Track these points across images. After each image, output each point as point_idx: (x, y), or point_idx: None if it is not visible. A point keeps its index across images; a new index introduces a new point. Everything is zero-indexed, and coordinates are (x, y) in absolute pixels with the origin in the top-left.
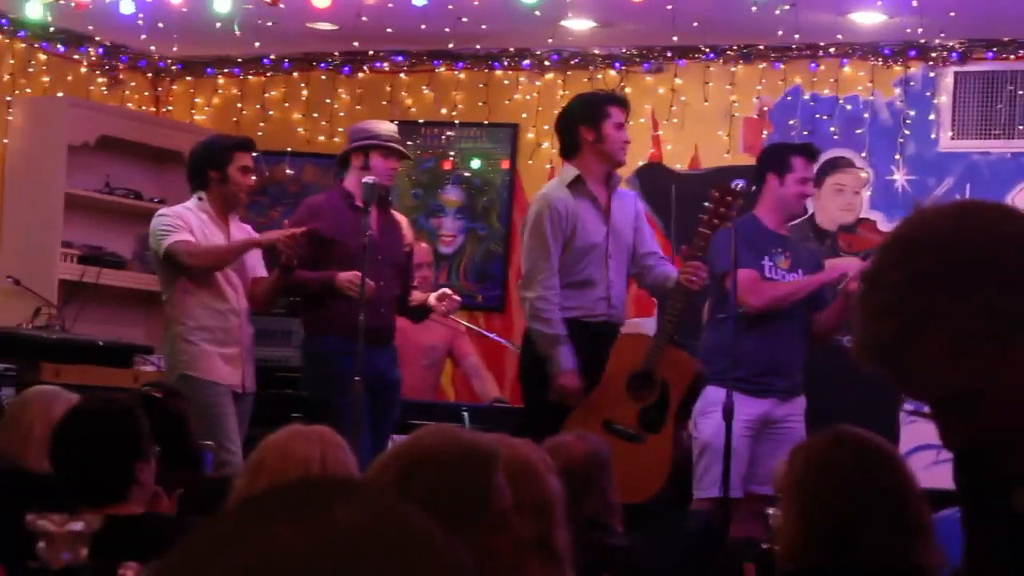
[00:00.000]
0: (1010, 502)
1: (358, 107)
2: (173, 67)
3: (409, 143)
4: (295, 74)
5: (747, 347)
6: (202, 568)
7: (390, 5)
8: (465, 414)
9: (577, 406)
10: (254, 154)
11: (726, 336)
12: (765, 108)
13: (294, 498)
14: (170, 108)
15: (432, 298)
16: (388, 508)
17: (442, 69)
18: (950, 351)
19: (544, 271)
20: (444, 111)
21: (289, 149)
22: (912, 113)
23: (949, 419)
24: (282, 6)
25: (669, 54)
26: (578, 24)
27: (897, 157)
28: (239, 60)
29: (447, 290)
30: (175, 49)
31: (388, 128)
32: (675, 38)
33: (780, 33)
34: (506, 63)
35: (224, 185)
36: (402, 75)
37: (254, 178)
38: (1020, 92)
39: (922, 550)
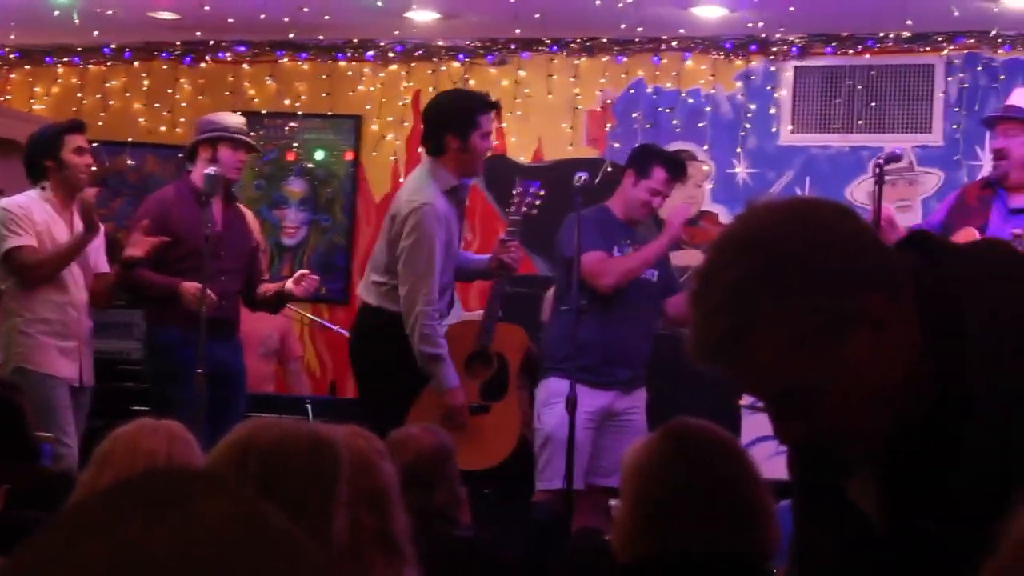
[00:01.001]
0: (845, 494)
1: (200, 97)
2: (11, 56)
3: (252, 134)
4: (136, 64)
5: (590, 338)
6: (55, 567)
7: None
8: (308, 406)
9: (465, 424)
10: (89, 140)
11: (569, 327)
12: (608, 101)
13: (150, 491)
14: (8, 97)
15: (289, 283)
16: (247, 504)
17: (285, 60)
18: (784, 349)
19: (428, 287)
20: (287, 102)
21: (130, 139)
22: (753, 107)
23: (783, 416)
24: None
25: (513, 46)
26: (422, 16)
27: (738, 150)
28: (79, 49)
29: (304, 271)
30: (12, 37)
31: (237, 120)
32: (518, 30)
33: (623, 26)
34: (349, 54)
35: (62, 171)
36: (245, 65)
37: (90, 159)
38: (859, 87)
39: (754, 537)
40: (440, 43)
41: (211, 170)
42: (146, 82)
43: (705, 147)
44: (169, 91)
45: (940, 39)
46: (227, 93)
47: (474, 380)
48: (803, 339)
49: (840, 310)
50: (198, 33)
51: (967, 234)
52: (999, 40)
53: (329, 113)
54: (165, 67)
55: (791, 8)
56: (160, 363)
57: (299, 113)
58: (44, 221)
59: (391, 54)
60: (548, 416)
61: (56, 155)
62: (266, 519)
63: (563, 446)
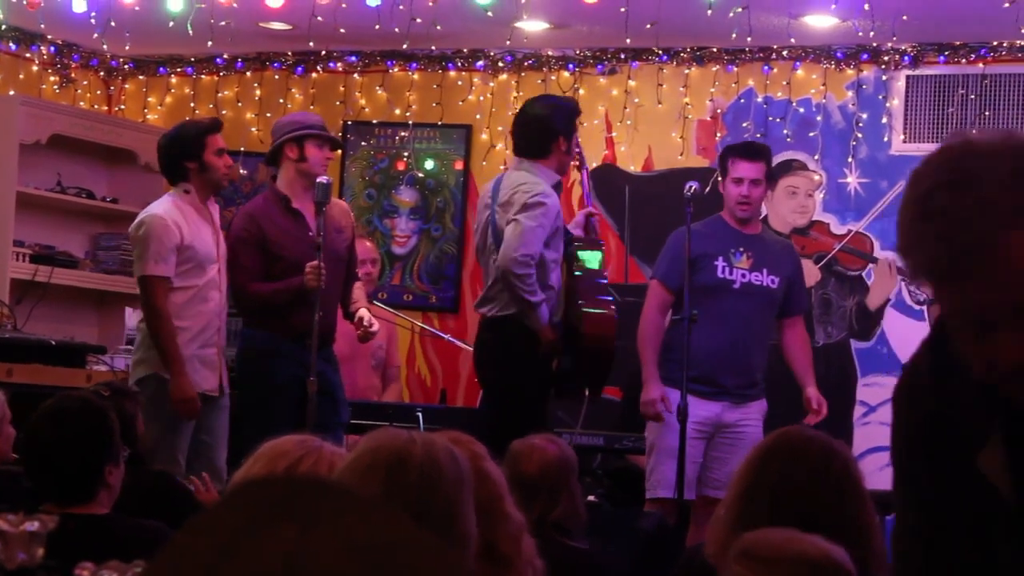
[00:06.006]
0: (974, 467)
1: (312, 107)
2: (125, 66)
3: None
4: (248, 74)
5: (699, 347)
6: (215, 571)
7: (343, 5)
8: (419, 414)
9: None
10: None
11: (678, 337)
12: (718, 110)
13: (292, 500)
14: (122, 107)
15: (360, 314)
16: (393, 517)
17: (396, 69)
18: None
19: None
20: (398, 112)
21: (242, 149)
22: (864, 116)
23: (996, 338)
24: (235, 5)
25: (623, 56)
26: (532, 25)
27: (850, 160)
28: (192, 59)
29: (370, 322)
30: (127, 48)
31: (316, 117)
32: (628, 40)
33: (733, 36)
34: (460, 64)
35: (204, 173)
36: (355, 75)
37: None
38: (971, 96)
39: (855, 552)
40: (550, 53)
41: (323, 179)
42: (258, 92)
43: (816, 156)
44: (281, 101)
45: None
46: (338, 103)
47: None
48: None
49: None
50: (311, 43)
51: None
52: None
53: (439, 122)
54: (277, 77)
55: (903, 17)
56: (252, 368)
57: (409, 123)
58: (188, 231)
59: (501, 64)
60: (653, 424)
61: (199, 157)
62: (417, 534)
63: (668, 454)
